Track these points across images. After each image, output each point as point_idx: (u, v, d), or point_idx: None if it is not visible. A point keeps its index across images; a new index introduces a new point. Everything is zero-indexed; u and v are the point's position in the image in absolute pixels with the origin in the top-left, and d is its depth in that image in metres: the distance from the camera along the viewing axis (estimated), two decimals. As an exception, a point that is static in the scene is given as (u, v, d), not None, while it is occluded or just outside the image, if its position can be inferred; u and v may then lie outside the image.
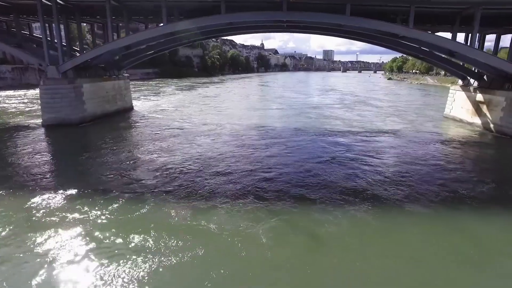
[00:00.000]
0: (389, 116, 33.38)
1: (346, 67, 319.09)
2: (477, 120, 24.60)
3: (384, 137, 22.61)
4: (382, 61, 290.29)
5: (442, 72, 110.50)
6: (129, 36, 21.58)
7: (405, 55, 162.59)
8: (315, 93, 62.68)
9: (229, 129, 24.37)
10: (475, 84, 25.59)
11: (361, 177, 14.36)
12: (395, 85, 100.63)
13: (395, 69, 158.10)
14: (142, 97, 48.57)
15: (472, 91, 25.14)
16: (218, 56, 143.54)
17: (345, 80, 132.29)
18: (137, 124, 26.35)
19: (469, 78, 26.36)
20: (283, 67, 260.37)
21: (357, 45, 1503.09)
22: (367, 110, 37.96)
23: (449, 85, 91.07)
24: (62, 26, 24.25)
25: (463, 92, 26.46)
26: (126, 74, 32.05)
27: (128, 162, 15.95)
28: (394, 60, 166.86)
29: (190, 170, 14.73)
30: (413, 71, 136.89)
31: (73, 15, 24.08)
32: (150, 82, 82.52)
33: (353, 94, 61.64)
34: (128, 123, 26.41)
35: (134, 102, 39.22)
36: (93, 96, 25.30)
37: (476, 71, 25.29)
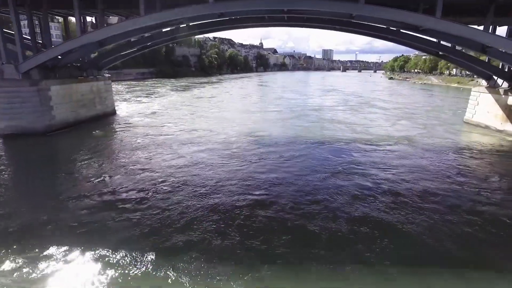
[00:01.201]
0: (398, 119, 30.61)
1: (346, 66, 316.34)
2: (510, 128, 21.26)
3: (397, 146, 19.60)
4: (382, 61, 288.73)
5: (446, 72, 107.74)
6: (101, 29, 18.18)
7: (405, 54, 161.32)
8: (315, 94, 60.26)
9: (220, 136, 21.63)
10: (504, 85, 22.26)
11: (374, 202, 11.58)
12: (397, 85, 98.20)
13: (397, 69, 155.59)
14: (132, 98, 45.66)
15: (502, 93, 21.81)
16: (216, 56, 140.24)
17: (346, 79, 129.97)
18: (117, 132, 23.06)
19: (495, 78, 23.04)
20: (282, 67, 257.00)
21: (356, 44, 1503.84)
22: (373, 112, 35.37)
23: (455, 85, 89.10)
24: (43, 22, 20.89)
25: (489, 95, 23.12)
26: (107, 75, 28.56)
27: (94, 181, 13.35)
28: (395, 59, 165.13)
29: (166, 192, 12.23)
30: (416, 70, 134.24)
31: (40, 6, 20.62)
32: (146, 82, 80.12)
33: (355, 94, 59.39)
34: (106, 131, 23.00)
35: (122, 105, 36.55)
36: (64, 100, 21.86)
37: (506, 69, 21.97)
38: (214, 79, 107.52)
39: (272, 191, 12.53)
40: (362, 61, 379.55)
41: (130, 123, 25.88)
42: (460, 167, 15.97)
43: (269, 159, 16.59)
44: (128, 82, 76.57)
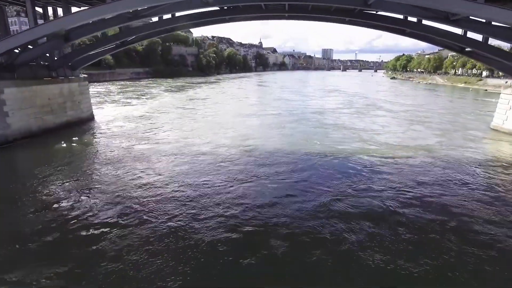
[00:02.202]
0: (411, 124, 27.36)
1: (346, 66, 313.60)
2: (556, 138, 17.89)
3: (414, 160, 16.12)
4: (382, 60, 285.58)
5: (452, 71, 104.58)
6: (57, 19, 14.79)
7: (407, 53, 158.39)
8: (317, 95, 57.16)
9: (209, 146, 18.43)
10: (545, 86, 18.90)
11: (395, 243, 8.66)
12: (401, 85, 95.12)
13: (399, 68, 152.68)
14: (122, 100, 42.54)
15: (544, 96, 18.45)
16: (214, 55, 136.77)
17: (347, 79, 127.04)
18: (88, 142, 19.57)
19: (532, 78, 19.68)
20: (281, 66, 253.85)
21: (356, 44, 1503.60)
22: (381, 116, 32.12)
23: (462, 85, 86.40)
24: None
25: (527, 98, 19.75)
26: (83, 75, 25.06)
27: (42, 209, 10.44)
28: (397, 58, 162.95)
29: (127, 229, 9.25)
30: (419, 70, 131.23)
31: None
32: (140, 83, 77.71)
33: (359, 95, 56.34)
34: (76, 141, 19.34)
35: (107, 108, 33.58)
36: (23, 105, 18.39)
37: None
38: (212, 79, 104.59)
39: (262, 228, 9.39)
40: (363, 61, 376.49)
41: (107, 131, 22.46)
42: (503, 192, 12.51)
43: (262, 178, 13.39)
44: (122, 82, 73.96)
